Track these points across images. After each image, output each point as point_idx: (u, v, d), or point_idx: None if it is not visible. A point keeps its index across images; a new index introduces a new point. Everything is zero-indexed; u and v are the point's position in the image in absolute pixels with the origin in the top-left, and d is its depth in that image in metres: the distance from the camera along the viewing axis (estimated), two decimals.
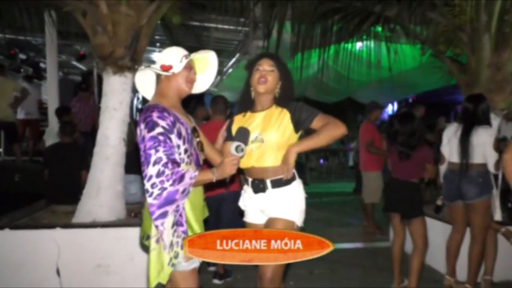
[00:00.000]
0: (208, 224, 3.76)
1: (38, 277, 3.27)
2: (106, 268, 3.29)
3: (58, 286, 3.25)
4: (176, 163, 1.91)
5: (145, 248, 2.17)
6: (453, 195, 3.38)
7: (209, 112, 3.99)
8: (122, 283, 3.29)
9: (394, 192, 3.40)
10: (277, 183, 2.16)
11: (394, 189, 3.41)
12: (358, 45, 6.07)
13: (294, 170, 2.19)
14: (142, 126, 1.93)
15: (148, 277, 1.97)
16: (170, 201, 1.90)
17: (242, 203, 2.34)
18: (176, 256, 1.96)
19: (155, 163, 1.87)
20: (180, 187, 1.90)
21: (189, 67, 2.10)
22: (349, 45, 5.29)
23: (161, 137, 1.89)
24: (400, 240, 3.45)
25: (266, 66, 2.18)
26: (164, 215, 1.92)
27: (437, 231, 3.78)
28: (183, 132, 2.01)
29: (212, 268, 3.84)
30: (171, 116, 1.97)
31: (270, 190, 2.17)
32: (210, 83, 2.28)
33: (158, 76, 2.11)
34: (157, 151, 1.88)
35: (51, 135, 5.83)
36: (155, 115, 1.93)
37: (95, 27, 3.57)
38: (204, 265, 3.94)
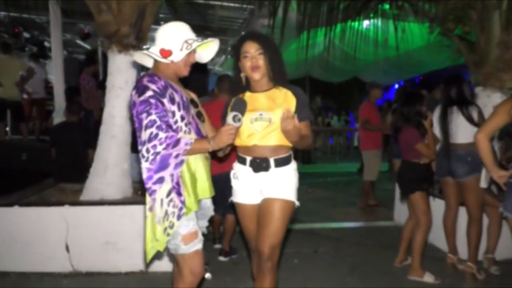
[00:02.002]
0: (214, 201, 3.81)
1: (47, 253, 3.34)
2: (114, 245, 3.35)
3: (67, 262, 3.33)
4: (170, 126, 1.90)
5: None
6: (442, 171, 3.44)
7: (214, 91, 3.99)
8: (130, 260, 3.35)
9: (398, 173, 3.52)
10: (280, 162, 2.16)
11: (398, 169, 3.53)
12: (365, 23, 5.98)
13: (291, 152, 2.22)
14: (133, 92, 1.93)
15: (144, 245, 1.99)
16: (164, 165, 1.90)
17: (236, 183, 2.27)
18: (171, 226, 1.94)
19: (146, 127, 1.86)
20: (174, 152, 1.89)
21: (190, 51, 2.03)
22: (356, 24, 5.22)
23: (152, 100, 1.88)
24: (414, 221, 3.46)
25: (253, 51, 2.12)
26: (161, 180, 1.92)
27: (441, 210, 3.79)
28: (177, 98, 1.98)
29: (217, 246, 3.90)
30: (161, 81, 1.95)
31: (273, 169, 2.16)
32: (208, 59, 2.23)
33: None
34: (149, 114, 1.86)
35: (59, 114, 5.87)
36: (145, 80, 1.93)
37: (100, 5, 3.54)
38: (210, 242, 4.00)
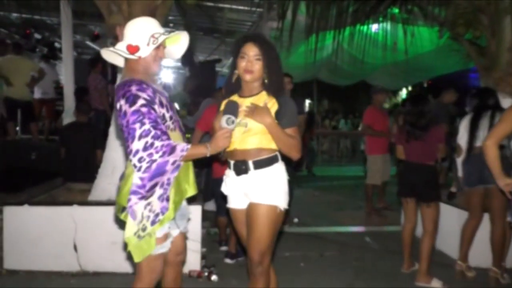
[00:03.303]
0: (220, 203, 3.81)
1: (55, 252, 3.37)
2: (121, 245, 3.36)
3: (75, 262, 3.35)
4: (164, 134, 1.89)
5: (120, 224, 2.18)
6: (473, 180, 3.36)
7: (222, 92, 4.00)
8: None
9: (409, 176, 3.40)
10: (259, 164, 2.12)
11: (408, 172, 3.42)
12: (374, 27, 5.98)
13: (277, 153, 2.16)
14: (123, 101, 1.88)
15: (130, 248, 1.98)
16: (160, 172, 1.90)
17: (225, 188, 2.28)
18: (144, 229, 1.93)
19: (140, 136, 1.84)
20: (171, 159, 1.89)
21: (158, 45, 1.99)
22: (365, 27, 5.21)
23: (144, 109, 1.86)
24: (411, 225, 3.46)
25: (251, 54, 2.10)
26: (154, 186, 1.93)
27: (450, 217, 3.77)
28: (164, 101, 1.99)
29: (223, 248, 3.91)
30: (149, 87, 1.94)
31: (252, 172, 2.13)
32: (179, 56, 2.21)
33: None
34: (142, 124, 1.84)
35: (69, 114, 5.92)
36: (134, 88, 1.89)
37: (110, 7, 3.57)
38: (216, 244, 4.01)
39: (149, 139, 1.84)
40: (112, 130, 3.70)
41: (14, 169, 5.49)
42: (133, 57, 1.95)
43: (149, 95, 1.90)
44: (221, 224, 3.94)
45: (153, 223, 1.95)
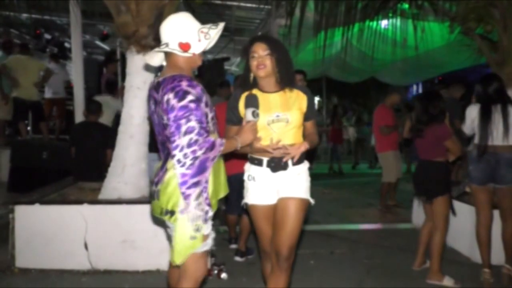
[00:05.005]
0: (230, 201, 3.82)
1: (67, 250, 3.40)
2: (132, 243, 3.39)
3: (86, 260, 3.38)
4: (207, 132, 1.92)
5: (163, 224, 2.17)
6: (484, 178, 3.24)
7: (231, 90, 4.00)
8: (147, 258, 3.38)
9: (418, 174, 3.40)
10: (297, 160, 2.20)
11: (418, 170, 3.43)
12: (384, 23, 5.92)
13: None
14: (171, 95, 1.88)
15: (174, 251, 1.98)
16: (202, 169, 1.93)
17: (253, 185, 2.27)
18: (197, 229, 1.94)
19: (186, 133, 1.86)
20: (211, 155, 1.93)
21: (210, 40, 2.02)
22: (374, 23, 5.17)
23: (192, 105, 1.88)
24: (431, 224, 3.37)
25: (261, 52, 2.16)
26: (197, 184, 1.93)
27: (463, 214, 3.72)
28: (209, 101, 2.02)
29: (233, 246, 3.91)
30: (199, 86, 1.97)
31: (291, 168, 2.19)
32: (211, 45, 2.17)
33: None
34: (188, 120, 1.87)
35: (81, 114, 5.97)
36: (184, 84, 1.91)
37: (119, 6, 3.59)
38: (226, 242, 4.01)
39: (193, 136, 1.87)
40: (122, 129, 3.72)
41: (26, 168, 5.55)
42: (187, 55, 1.98)
43: (198, 92, 1.93)
44: (230, 222, 3.95)
45: (205, 221, 1.97)
